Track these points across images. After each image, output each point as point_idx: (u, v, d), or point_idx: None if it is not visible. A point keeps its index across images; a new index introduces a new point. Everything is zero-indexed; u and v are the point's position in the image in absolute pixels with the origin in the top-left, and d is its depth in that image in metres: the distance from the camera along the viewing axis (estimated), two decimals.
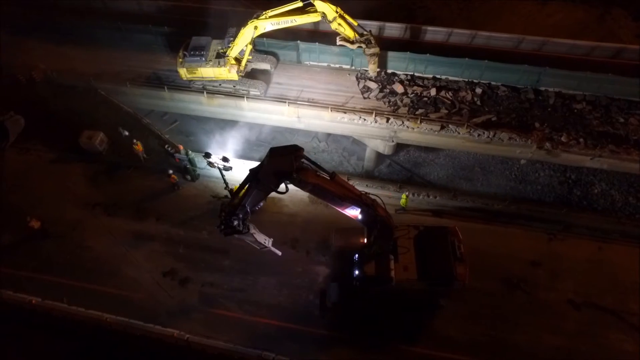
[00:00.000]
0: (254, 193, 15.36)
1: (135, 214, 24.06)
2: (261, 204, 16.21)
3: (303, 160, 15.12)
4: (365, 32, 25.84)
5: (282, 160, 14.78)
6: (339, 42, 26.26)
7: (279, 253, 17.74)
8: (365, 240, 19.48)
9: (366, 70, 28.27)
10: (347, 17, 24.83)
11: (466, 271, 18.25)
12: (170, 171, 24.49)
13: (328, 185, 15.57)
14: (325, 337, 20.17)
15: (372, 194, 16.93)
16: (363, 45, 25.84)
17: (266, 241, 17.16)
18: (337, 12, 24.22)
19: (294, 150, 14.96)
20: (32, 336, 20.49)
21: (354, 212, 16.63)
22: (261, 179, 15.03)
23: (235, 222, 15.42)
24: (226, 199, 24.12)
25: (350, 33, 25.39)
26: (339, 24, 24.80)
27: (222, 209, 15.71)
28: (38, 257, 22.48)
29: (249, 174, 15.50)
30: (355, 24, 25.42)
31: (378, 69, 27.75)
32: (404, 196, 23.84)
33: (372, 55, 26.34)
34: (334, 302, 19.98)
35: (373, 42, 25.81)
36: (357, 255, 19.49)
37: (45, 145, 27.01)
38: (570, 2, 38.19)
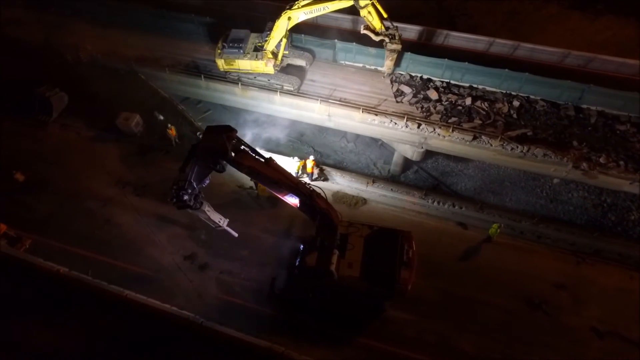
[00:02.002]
0: (195, 169, 15.89)
1: (163, 196, 24.65)
2: (207, 181, 16.70)
3: (239, 141, 15.59)
4: (391, 27, 25.53)
5: (215, 139, 15.32)
6: (362, 31, 26.04)
7: (235, 234, 18.26)
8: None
9: (401, 74, 28.01)
10: (379, 6, 24.58)
11: (410, 277, 17.95)
12: None
13: (263, 169, 15.96)
14: (337, 336, 20.07)
15: (317, 187, 16.98)
16: (386, 39, 25.53)
17: (221, 221, 17.61)
18: None
19: (227, 131, 15.44)
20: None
21: (293, 201, 16.77)
22: (198, 156, 15.59)
23: (186, 197, 15.90)
24: (250, 189, 24.47)
25: (377, 24, 25.10)
26: (369, 12, 24.52)
27: (173, 182, 16.16)
28: (68, 231, 23.44)
29: (190, 150, 16.10)
30: (385, 15, 25.11)
31: (393, 68, 27.59)
32: (494, 226, 22.23)
33: (392, 51, 26.05)
34: (280, 289, 20.34)
35: (397, 38, 25.50)
36: (302, 245, 19.56)
37: (84, 123, 28.15)
38: (623, 18, 36.56)
